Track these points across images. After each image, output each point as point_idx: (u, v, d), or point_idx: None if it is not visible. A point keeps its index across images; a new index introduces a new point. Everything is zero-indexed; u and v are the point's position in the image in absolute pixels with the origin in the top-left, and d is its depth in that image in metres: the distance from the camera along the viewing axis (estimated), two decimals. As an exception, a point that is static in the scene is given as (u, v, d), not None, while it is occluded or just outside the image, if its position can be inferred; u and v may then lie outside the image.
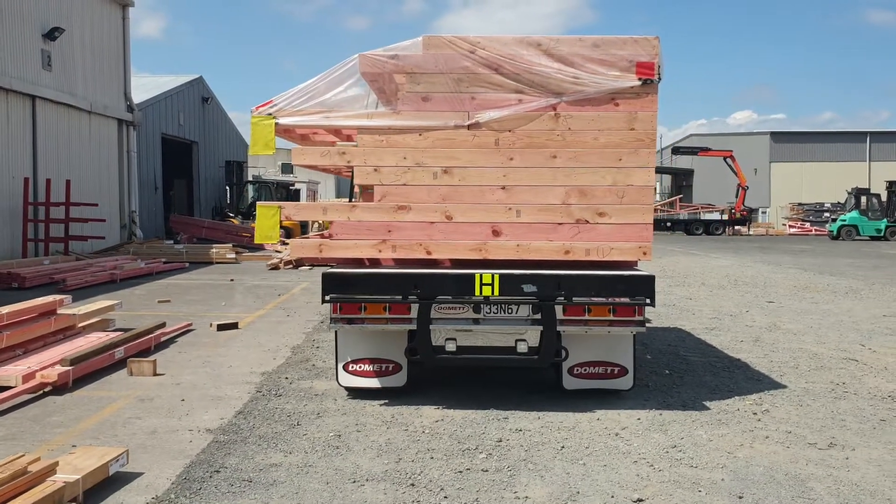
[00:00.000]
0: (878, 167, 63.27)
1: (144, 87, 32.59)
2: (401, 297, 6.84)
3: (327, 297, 6.84)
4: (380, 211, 7.05)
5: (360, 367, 7.37)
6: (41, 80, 22.35)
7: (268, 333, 11.01)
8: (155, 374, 8.32)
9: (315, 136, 8.73)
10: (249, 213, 34.34)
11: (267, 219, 7.06)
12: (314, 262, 7.51)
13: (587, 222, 7.00)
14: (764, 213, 63.29)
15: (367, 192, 12.59)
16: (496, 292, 6.76)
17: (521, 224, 7.03)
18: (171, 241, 26.33)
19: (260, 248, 28.01)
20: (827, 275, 21.19)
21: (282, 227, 28.30)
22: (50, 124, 22.81)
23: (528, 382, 7.99)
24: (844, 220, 45.53)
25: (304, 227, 34.87)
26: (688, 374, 8.55)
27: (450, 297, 6.87)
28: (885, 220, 44.73)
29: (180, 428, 6.48)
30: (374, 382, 7.39)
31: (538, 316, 6.91)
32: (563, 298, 6.77)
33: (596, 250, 6.99)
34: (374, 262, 7.39)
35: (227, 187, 35.71)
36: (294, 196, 38.14)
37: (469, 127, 7.00)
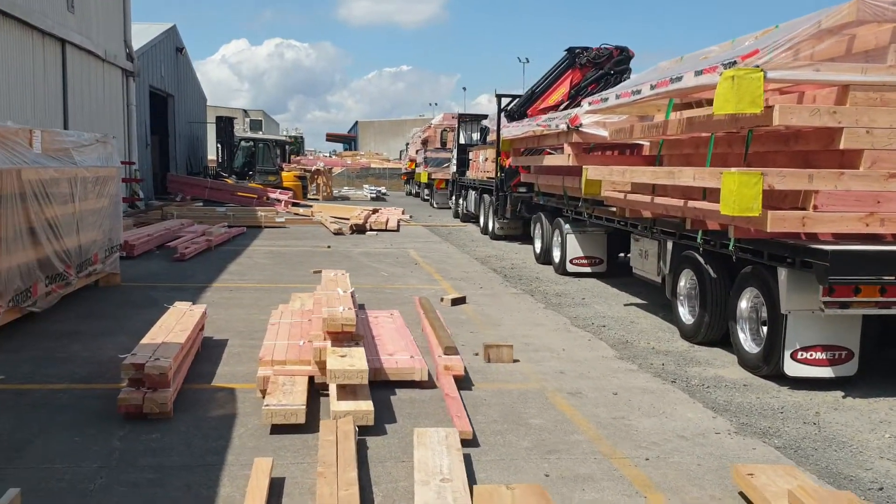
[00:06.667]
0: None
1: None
2: None
3: (829, 279, 5.95)
4: (868, 179, 6.21)
5: (810, 354, 6.56)
6: (68, 22, 19.98)
7: (501, 308, 9.97)
8: (513, 361, 7.29)
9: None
10: (244, 173, 32.28)
11: (749, 188, 6.09)
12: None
13: None
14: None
15: (609, 154, 11.55)
16: None
17: None
18: (201, 203, 24.36)
19: (271, 207, 26.17)
20: None
21: (282, 187, 26.22)
22: (76, 73, 20.45)
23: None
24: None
25: (304, 189, 33.21)
26: None
27: None
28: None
29: (703, 429, 5.57)
30: (826, 371, 6.59)
31: None
32: None
33: None
34: (794, 236, 6.52)
35: (219, 145, 33.39)
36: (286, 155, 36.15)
37: (969, 85, 6.23)
